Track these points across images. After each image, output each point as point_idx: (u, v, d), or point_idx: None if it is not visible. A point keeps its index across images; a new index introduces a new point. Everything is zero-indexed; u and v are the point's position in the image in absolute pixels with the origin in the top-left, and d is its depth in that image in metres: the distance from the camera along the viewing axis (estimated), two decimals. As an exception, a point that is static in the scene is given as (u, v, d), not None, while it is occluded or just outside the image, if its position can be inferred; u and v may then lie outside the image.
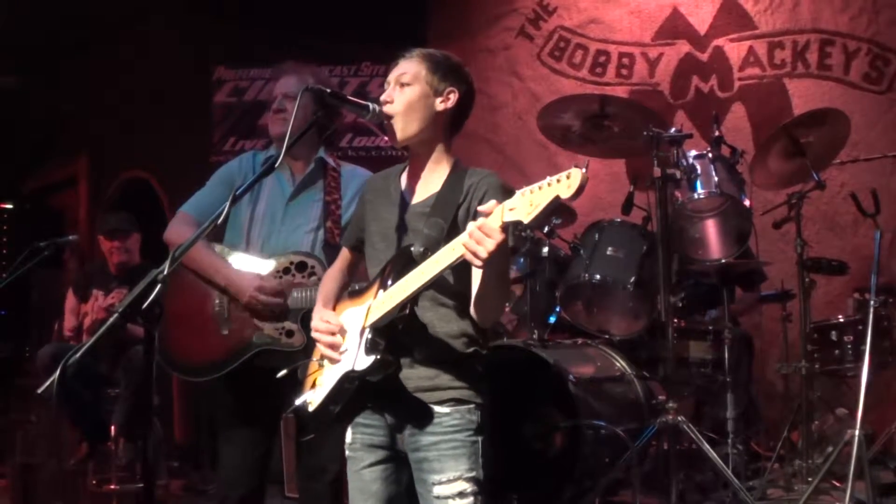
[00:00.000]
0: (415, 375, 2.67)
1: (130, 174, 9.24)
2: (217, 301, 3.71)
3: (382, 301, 2.60)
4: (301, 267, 3.66)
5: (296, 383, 3.47)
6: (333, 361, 2.70)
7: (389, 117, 2.79)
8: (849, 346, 5.29)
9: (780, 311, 5.81)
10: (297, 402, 2.80)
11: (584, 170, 2.19)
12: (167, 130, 8.41)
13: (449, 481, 2.62)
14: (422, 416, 2.66)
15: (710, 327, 5.46)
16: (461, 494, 2.62)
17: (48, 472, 6.63)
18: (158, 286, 2.43)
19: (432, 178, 2.81)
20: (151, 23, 8.69)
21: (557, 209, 2.28)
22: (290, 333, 3.62)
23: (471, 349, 2.71)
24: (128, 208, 7.59)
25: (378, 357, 2.57)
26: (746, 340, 5.95)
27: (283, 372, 2.88)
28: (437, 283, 2.58)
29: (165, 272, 2.45)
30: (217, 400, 3.80)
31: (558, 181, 2.20)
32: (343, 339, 2.71)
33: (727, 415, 5.19)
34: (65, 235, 5.06)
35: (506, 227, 2.29)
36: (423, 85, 2.80)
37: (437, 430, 2.65)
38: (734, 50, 7.29)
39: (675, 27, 7.48)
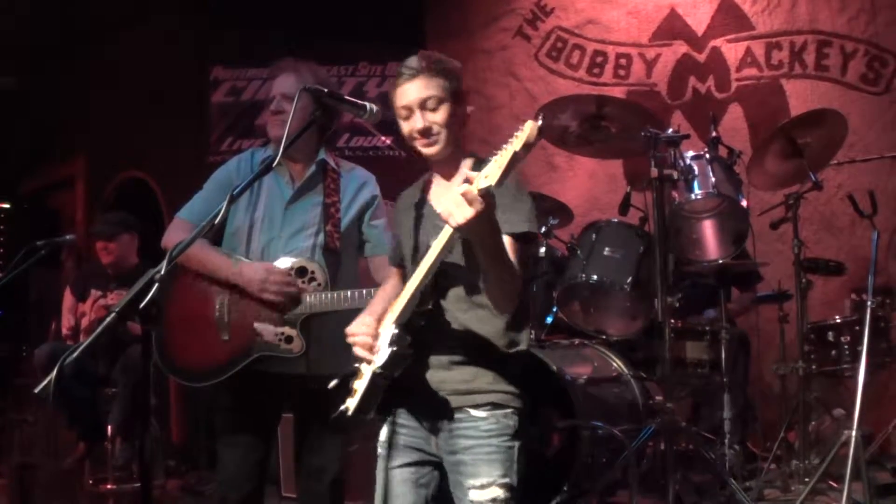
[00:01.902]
0: (451, 378, 2.67)
1: (128, 174, 9.24)
2: (217, 306, 3.69)
3: (402, 296, 2.61)
4: (301, 272, 3.63)
5: (304, 387, 3.49)
6: (368, 362, 2.70)
7: (429, 144, 2.76)
8: (846, 347, 5.30)
9: (778, 311, 5.81)
10: (341, 408, 2.78)
11: (538, 122, 2.22)
12: (165, 130, 8.41)
13: (483, 486, 2.61)
14: (459, 420, 2.66)
15: (707, 328, 5.46)
16: (495, 500, 2.62)
17: (45, 472, 6.64)
18: (155, 286, 2.42)
19: (458, 180, 2.78)
20: (149, 23, 8.69)
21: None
22: (289, 339, 3.61)
23: (510, 350, 2.69)
24: (125, 209, 7.59)
25: (394, 350, 2.57)
26: (743, 341, 5.95)
27: (335, 382, 2.86)
28: (471, 286, 2.60)
29: (163, 272, 2.45)
30: (216, 402, 3.79)
31: (516, 137, 2.24)
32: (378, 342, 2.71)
33: (724, 415, 5.19)
34: (62, 235, 5.07)
35: (485, 193, 2.27)
36: (450, 101, 2.75)
37: (473, 433, 2.64)
38: (731, 51, 7.29)
39: (672, 28, 7.49)
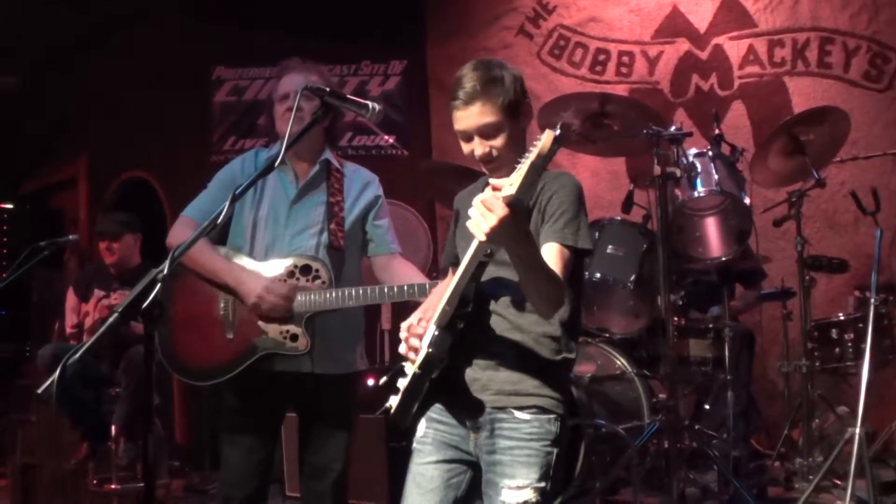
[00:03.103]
0: (498, 378, 2.66)
1: (130, 174, 9.24)
2: (222, 305, 3.69)
3: (444, 299, 2.60)
4: (305, 270, 3.63)
5: (308, 386, 3.46)
6: (412, 361, 2.69)
7: (492, 166, 2.75)
8: (849, 344, 5.30)
9: (781, 309, 5.82)
10: (385, 405, 2.77)
11: (556, 132, 2.22)
12: (167, 130, 8.41)
13: (518, 488, 2.60)
14: (501, 420, 2.65)
15: (711, 325, 5.45)
16: (526, 503, 2.61)
17: (49, 472, 6.63)
18: (158, 286, 2.42)
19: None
20: (151, 23, 8.69)
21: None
22: (294, 337, 3.61)
23: (559, 356, 2.68)
24: (127, 208, 7.58)
25: (431, 351, 2.57)
26: (747, 338, 5.94)
27: (384, 379, 2.86)
28: (522, 292, 2.59)
29: (165, 271, 2.45)
30: (220, 402, 3.79)
31: (533, 147, 2.24)
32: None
33: (727, 413, 5.19)
34: (65, 235, 5.07)
35: (511, 202, 2.25)
36: (508, 122, 2.72)
37: (515, 435, 2.63)
38: (734, 48, 7.29)
39: (674, 25, 7.48)
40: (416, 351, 2.68)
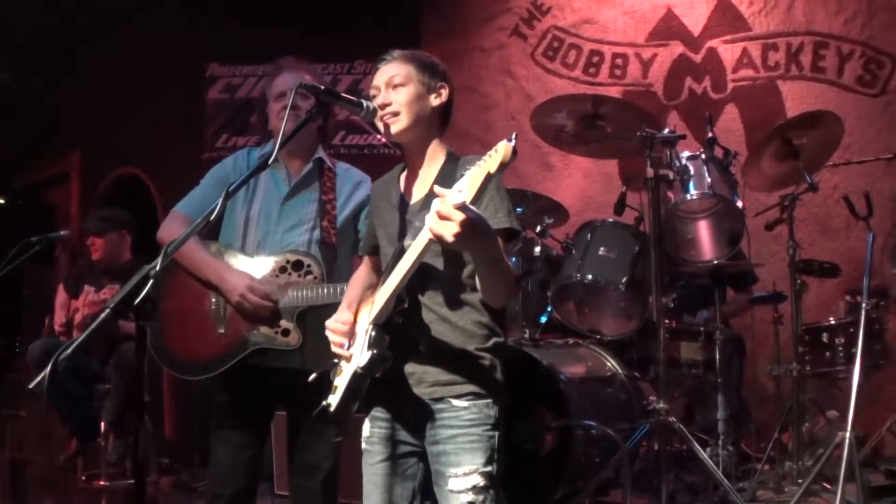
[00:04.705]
0: (432, 370, 2.69)
1: (123, 170, 9.23)
2: (214, 300, 3.70)
3: (379, 297, 2.63)
4: (297, 266, 3.65)
5: (298, 383, 3.46)
6: (347, 361, 2.72)
7: (390, 120, 2.82)
8: (840, 349, 5.30)
9: (772, 312, 5.81)
10: (323, 404, 2.78)
11: (512, 143, 2.24)
12: (160, 127, 8.40)
13: (464, 475, 2.64)
14: (440, 410, 2.68)
15: (702, 328, 5.46)
16: (475, 489, 2.64)
17: (38, 468, 6.63)
18: (150, 282, 2.41)
19: (429, 174, 2.83)
20: (145, 19, 8.68)
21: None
22: (285, 332, 3.61)
23: (489, 342, 2.72)
24: (120, 205, 7.58)
25: (374, 353, 2.59)
26: (737, 342, 5.95)
27: (314, 376, 2.87)
28: (448, 281, 2.65)
29: (157, 268, 2.44)
30: (211, 398, 3.79)
31: (490, 157, 2.26)
32: (355, 338, 2.74)
33: (718, 416, 5.19)
34: (57, 231, 5.06)
35: (461, 208, 2.28)
36: (417, 84, 2.84)
37: (455, 423, 2.66)
38: (728, 51, 7.29)
39: (668, 28, 7.49)
40: (342, 347, 2.73)
